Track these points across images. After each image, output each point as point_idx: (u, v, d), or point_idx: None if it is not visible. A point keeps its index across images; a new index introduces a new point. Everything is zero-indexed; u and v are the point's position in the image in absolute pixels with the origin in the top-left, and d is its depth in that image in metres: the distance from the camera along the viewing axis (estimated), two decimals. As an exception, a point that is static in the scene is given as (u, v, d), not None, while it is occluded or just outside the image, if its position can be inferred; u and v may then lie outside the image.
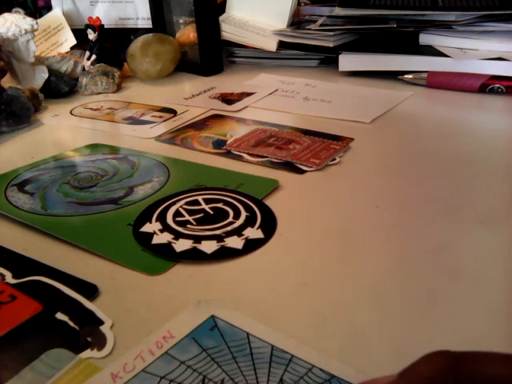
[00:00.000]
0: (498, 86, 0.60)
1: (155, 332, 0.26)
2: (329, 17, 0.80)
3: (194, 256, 0.33)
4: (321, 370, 0.23)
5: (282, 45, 0.79)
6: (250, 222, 0.36)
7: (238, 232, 0.35)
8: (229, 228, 0.35)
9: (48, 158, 0.50)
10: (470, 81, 0.62)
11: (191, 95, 0.68)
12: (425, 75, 0.65)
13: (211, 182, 0.42)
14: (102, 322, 0.27)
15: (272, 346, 0.25)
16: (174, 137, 0.54)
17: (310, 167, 0.44)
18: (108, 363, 0.25)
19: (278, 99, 0.65)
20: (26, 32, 0.65)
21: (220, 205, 0.38)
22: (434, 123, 0.55)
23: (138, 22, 0.86)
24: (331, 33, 0.74)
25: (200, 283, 0.30)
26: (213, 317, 0.27)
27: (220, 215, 0.37)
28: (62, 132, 0.60)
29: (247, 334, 0.26)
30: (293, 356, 0.24)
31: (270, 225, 0.36)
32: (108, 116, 0.62)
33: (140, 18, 0.86)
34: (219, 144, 0.51)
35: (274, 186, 0.41)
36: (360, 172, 0.44)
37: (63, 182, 0.44)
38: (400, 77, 0.67)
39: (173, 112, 0.62)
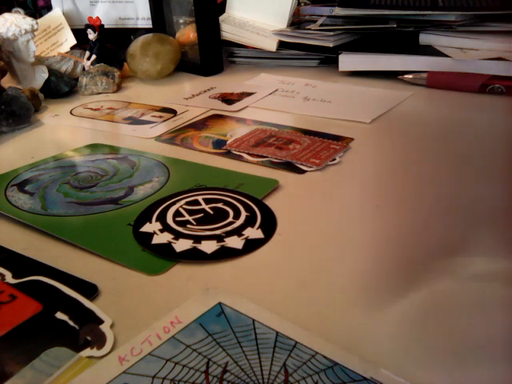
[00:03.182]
0: (498, 85, 0.60)
1: (163, 318, 0.27)
2: (329, 17, 0.80)
3: (194, 256, 0.33)
4: (324, 357, 0.24)
5: (282, 45, 0.79)
6: (249, 221, 0.36)
7: (237, 232, 0.35)
8: (229, 228, 0.35)
9: (48, 157, 0.50)
10: (470, 81, 0.62)
11: (191, 95, 0.68)
12: (425, 75, 0.65)
13: (211, 182, 0.42)
14: (101, 321, 0.27)
15: (277, 332, 0.25)
16: (174, 137, 0.54)
17: (310, 167, 0.44)
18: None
19: (277, 99, 0.65)
20: (26, 32, 0.65)
21: (220, 205, 0.38)
22: (434, 123, 0.55)
23: (138, 21, 0.86)
24: (331, 33, 0.74)
25: (200, 283, 0.30)
26: (220, 304, 0.27)
27: (220, 215, 0.37)
28: (62, 132, 0.60)
29: (253, 320, 0.26)
30: (297, 342, 0.25)
31: (269, 225, 0.36)
32: (108, 116, 0.62)
33: (140, 17, 0.86)
34: (219, 144, 0.51)
35: (273, 186, 0.41)
36: (360, 172, 0.44)
37: (63, 182, 0.44)
38: (400, 77, 0.67)
39: (173, 112, 0.62)
